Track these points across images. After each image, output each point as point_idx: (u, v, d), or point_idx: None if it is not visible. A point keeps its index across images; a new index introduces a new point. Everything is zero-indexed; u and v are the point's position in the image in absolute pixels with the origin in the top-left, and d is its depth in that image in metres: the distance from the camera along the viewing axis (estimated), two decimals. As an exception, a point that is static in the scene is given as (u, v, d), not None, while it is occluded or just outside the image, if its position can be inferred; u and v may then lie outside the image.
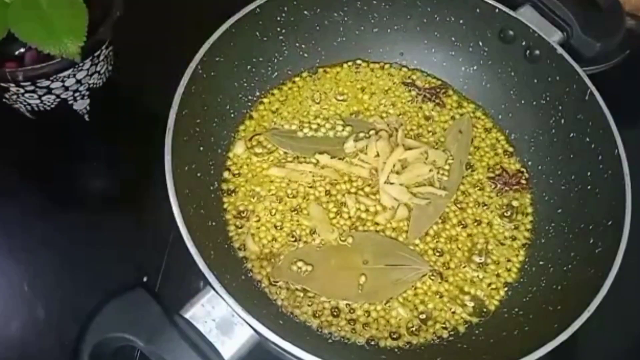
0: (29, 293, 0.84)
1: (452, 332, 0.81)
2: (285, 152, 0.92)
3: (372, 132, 0.94)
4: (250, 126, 0.94)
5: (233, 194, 0.87)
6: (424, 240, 0.87)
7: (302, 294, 0.81)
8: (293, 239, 0.85)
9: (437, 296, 0.83)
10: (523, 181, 0.92)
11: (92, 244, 0.90)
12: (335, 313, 0.80)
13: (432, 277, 0.84)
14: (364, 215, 0.87)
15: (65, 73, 0.86)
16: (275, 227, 0.86)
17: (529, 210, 0.91)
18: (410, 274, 0.83)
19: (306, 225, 0.86)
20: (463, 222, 0.89)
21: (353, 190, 0.89)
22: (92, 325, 0.65)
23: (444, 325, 0.81)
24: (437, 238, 0.87)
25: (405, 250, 0.85)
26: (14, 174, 0.97)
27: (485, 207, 0.90)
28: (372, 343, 0.79)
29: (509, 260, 0.86)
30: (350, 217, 0.87)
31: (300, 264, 0.83)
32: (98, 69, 0.90)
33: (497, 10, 0.94)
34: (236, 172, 0.89)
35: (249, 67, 0.94)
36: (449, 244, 0.87)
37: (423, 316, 0.81)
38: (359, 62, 1.02)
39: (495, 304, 0.83)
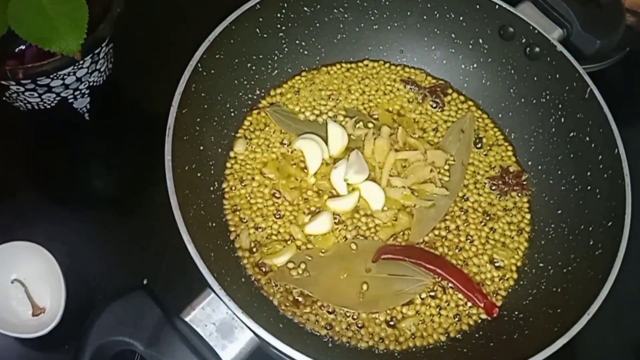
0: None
1: (452, 336, 0.81)
2: (283, 152, 0.91)
3: (369, 124, 0.95)
4: (251, 120, 0.94)
5: (233, 195, 0.87)
6: (425, 242, 0.87)
7: (302, 298, 0.81)
8: (294, 242, 0.85)
9: (438, 299, 0.83)
10: (523, 181, 0.92)
11: (91, 246, 0.90)
12: (336, 317, 0.81)
13: (434, 280, 0.84)
14: (363, 220, 0.87)
15: (66, 71, 0.85)
16: (277, 229, 0.86)
17: (529, 212, 0.90)
18: (413, 285, 0.83)
19: (307, 229, 0.86)
20: (463, 224, 0.89)
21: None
22: (92, 330, 0.65)
23: (444, 329, 0.81)
24: (438, 240, 0.87)
25: (409, 261, 0.85)
26: (13, 173, 0.97)
27: (485, 209, 0.90)
28: (373, 347, 0.79)
29: (508, 262, 0.86)
30: (351, 223, 0.87)
31: (302, 268, 0.82)
32: (98, 66, 0.90)
33: (497, 6, 0.93)
34: (237, 172, 0.89)
35: (249, 64, 0.94)
36: (449, 246, 0.87)
37: (423, 320, 0.82)
38: (359, 60, 1.02)
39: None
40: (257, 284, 0.81)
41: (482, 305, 0.82)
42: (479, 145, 0.95)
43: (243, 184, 0.88)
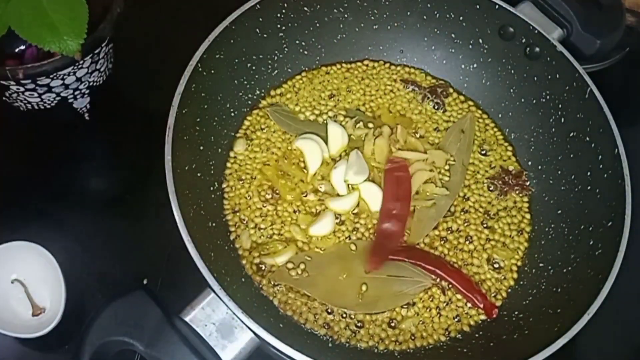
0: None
1: (452, 336, 0.81)
2: (283, 152, 0.91)
3: (370, 124, 0.95)
4: (251, 120, 0.94)
5: (233, 195, 0.87)
6: (425, 242, 0.87)
7: (302, 298, 0.81)
8: (294, 243, 0.85)
9: (438, 300, 0.83)
10: (523, 181, 0.92)
11: (91, 246, 0.90)
12: (334, 317, 0.80)
13: (434, 282, 0.84)
14: (363, 220, 0.87)
15: (66, 71, 0.85)
16: (277, 229, 0.86)
17: (529, 212, 0.90)
18: (412, 286, 0.82)
19: (310, 230, 0.86)
20: (463, 224, 0.89)
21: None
22: (92, 329, 0.65)
23: (443, 330, 0.81)
24: (437, 240, 0.87)
25: (408, 262, 0.84)
26: (13, 173, 0.97)
27: (485, 209, 0.90)
28: (373, 347, 0.79)
29: (508, 263, 0.86)
30: (350, 223, 0.87)
31: (301, 268, 0.82)
32: (98, 66, 0.90)
33: (497, 6, 0.93)
34: (236, 172, 0.89)
35: (249, 64, 0.94)
36: (449, 247, 0.87)
37: (423, 321, 0.82)
38: (359, 60, 1.02)
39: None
40: (257, 284, 0.81)
41: (481, 306, 0.82)
42: (479, 145, 0.95)
43: (243, 184, 0.88)
